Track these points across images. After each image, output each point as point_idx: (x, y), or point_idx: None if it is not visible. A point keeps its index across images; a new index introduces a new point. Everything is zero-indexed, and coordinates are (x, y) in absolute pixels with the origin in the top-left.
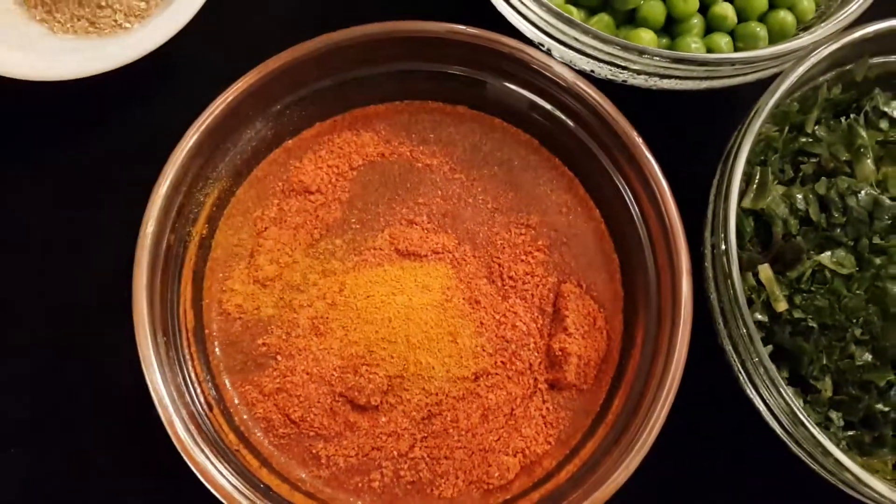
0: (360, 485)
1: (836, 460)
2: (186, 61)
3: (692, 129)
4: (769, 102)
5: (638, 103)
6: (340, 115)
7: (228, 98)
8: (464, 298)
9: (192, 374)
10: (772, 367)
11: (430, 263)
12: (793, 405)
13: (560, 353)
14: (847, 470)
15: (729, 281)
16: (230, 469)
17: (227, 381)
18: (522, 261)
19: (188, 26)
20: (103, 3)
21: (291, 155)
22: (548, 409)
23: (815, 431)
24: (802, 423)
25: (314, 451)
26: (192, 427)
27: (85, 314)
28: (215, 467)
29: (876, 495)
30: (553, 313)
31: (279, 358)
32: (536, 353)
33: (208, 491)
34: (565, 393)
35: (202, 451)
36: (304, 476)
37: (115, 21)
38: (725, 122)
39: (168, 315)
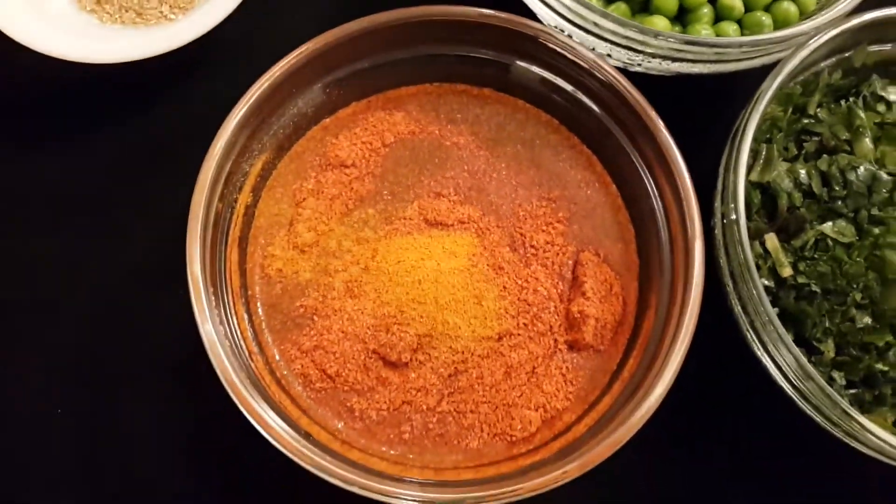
0: (391, 436)
1: (843, 411)
2: (228, 46)
3: (701, 112)
4: (773, 84)
5: (652, 89)
6: (374, 96)
7: (274, 75)
8: (488, 265)
9: (238, 332)
10: (780, 325)
11: (457, 232)
12: (800, 360)
13: (578, 315)
14: (853, 419)
15: (740, 246)
16: (275, 414)
17: (269, 339)
18: (543, 231)
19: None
20: None
21: (329, 132)
22: (567, 367)
23: (822, 383)
24: (810, 377)
25: (349, 405)
26: (240, 374)
27: (135, 280)
28: (263, 410)
29: (880, 443)
30: (572, 280)
31: (316, 318)
32: (556, 316)
33: (254, 440)
34: (583, 353)
35: (251, 394)
36: (340, 427)
37: (161, 13)
38: (732, 106)
39: (216, 276)
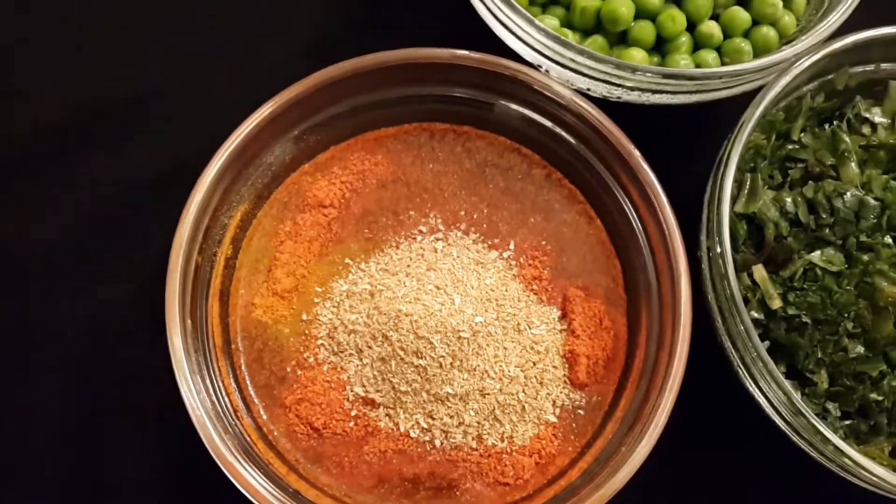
0: (383, 490)
1: (835, 447)
2: (201, 96)
3: (686, 141)
4: (755, 113)
5: (634, 119)
6: (354, 138)
7: (249, 126)
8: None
9: (222, 388)
10: (769, 360)
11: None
12: (791, 396)
13: (569, 355)
14: (845, 455)
15: (725, 281)
16: (260, 474)
17: (253, 394)
18: (530, 265)
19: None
20: None
21: (307, 175)
22: (560, 408)
23: (814, 420)
24: (801, 413)
25: (337, 459)
26: (223, 434)
27: (117, 334)
28: (247, 471)
29: (875, 479)
30: (560, 317)
31: (299, 371)
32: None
33: (240, 498)
34: (576, 393)
35: (234, 455)
36: (329, 481)
37: None
38: (717, 133)
39: (197, 331)
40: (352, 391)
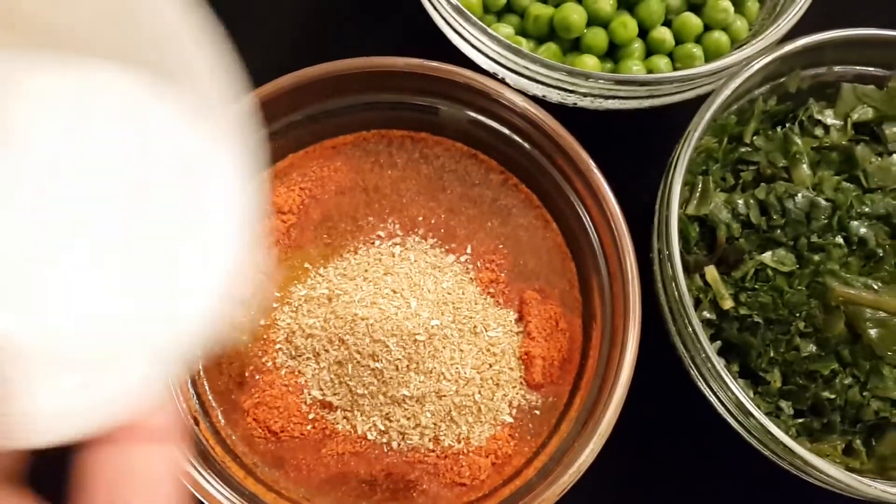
0: (340, 493)
1: (785, 446)
2: None
3: (642, 144)
4: (704, 117)
5: (590, 124)
6: (312, 146)
7: None
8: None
9: (179, 394)
10: (718, 360)
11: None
12: (739, 396)
13: (525, 356)
14: (796, 455)
15: (674, 282)
16: (217, 478)
17: (211, 399)
18: (487, 268)
19: None
20: None
21: (266, 184)
22: (516, 409)
23: (763, 419)
24: (751, 413)
25: (295, 462)
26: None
27: None
28: (202, 475)
29: (825, 477)
30: (517, 320)
31: (257, 375)
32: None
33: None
34: (532, 394)
35: (188, 460)
36: (288, 485)
37: None
38: (672, 136)
39: None
40: (309, 395)
